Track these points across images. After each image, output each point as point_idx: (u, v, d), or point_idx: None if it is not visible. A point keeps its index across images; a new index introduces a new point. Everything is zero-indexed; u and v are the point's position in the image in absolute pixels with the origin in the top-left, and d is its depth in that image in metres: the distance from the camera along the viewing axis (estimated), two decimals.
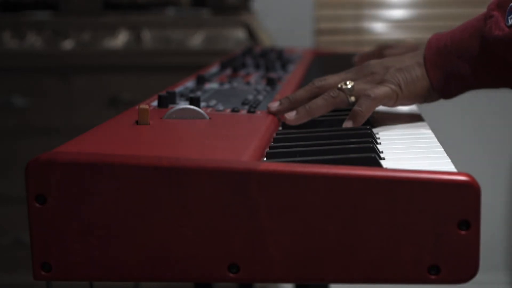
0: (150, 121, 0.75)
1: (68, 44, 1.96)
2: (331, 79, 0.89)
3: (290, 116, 0.85)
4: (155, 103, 0.88)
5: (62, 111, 1.98)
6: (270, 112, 0.86)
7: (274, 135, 0.79)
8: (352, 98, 0.85)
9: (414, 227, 0.59)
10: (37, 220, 0.61)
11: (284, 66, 1.24)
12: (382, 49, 1.20)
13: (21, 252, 1.98)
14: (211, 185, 0.59)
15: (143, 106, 0.75)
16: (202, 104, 0.88)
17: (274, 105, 0.87)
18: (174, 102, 0.88)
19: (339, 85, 0.86)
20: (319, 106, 0.85)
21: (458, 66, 0.85)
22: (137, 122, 0.75)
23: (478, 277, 0.61)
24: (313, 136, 0.78)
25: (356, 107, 0.84)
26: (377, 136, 0.81)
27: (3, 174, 2.00)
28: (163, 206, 0.60)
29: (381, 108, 0.94)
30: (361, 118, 0.84)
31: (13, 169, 1.97)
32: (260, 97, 0.94)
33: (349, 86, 0.85)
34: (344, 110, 0.93)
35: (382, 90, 0.85)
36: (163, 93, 0.88)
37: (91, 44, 1.97)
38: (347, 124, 0.84)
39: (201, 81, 1.05)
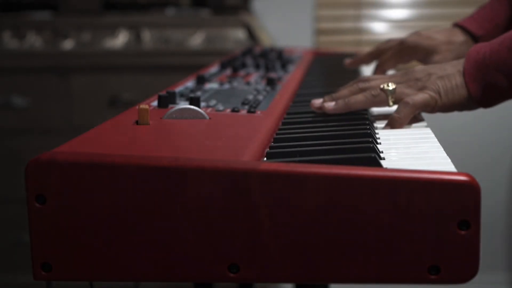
0: (150, 121, 0.75)
1: (68, 44, 1.96)
2: (374, 81, 0.91)
3: (329, 105, 0.90)
4: (155, 103, 0.88)
5: (62, 111, 1.98)
6: (313, 108, 0.92)
7: (274, 135, 0.79)
8: (392, 100, 0.88)
9: (414, 227, 0.59)
10: (37, 220, 0.61)
11: (284, 66, 1.24)
12: (373, 55, 1.21)
13: (21, 252, 1.98)
14: (211, 185, 0.59)
15: (143, 106, 0.75)
16: (202, 104, 0.88)
17: (317, 101, 0.92)
18: (174, 102, 0.88)
19: (382, 86, 0.88)
20: (358, 101, 0.90)
21: (495, 79, 0.87)
22: (137, 122, 0.75)
23: (478, 277, 0.61)
24: (313, 136, 0.78)
25: (394, 114, 0.87)
26: (377, 136, 0.81)
27: (3, 174, 2.00)
28: (163, 206, 0.60)
29: (381, 108, 0.94)
30: (399, 124, 0.87)
31: (13, 169, 1.97)
32: (260, 97, 0.94)
33: (391, 88, 0.88)
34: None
35: (421, 97, 0.87)
36: (163, 93, 0.88)
37: (91, 44, 1.97)
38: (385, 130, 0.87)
39: (201, 81, 1.05)
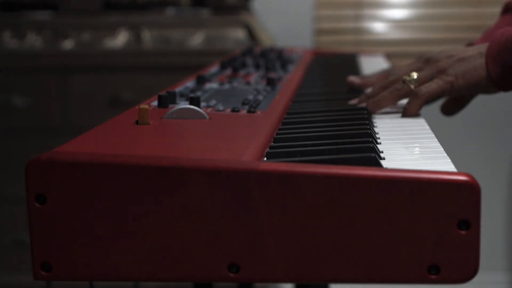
0: (150, 121, 0.75)
1: (68, 44, 1.96)
2: (401, 71, 0.95)
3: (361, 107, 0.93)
4: (155, 103, 0.88)
5: (62, 111, 1.98)
6: None
7: (274, 135, 0.79)
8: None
9: (414, 227, 0.59)
10: (37, 220, 0.61)
11: (284, 66, 1.24)
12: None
13: (21, 252, 1.98)
14: (211, 185, 0.59)
15: (143, 106, 0.75)
16: (202, 104, 0.88)
17: (353, 102, 0.95)
18: (174, 102, 0.88)
19: (404, 78, 0.91)
20: (385, 98, 0.93)
21: None
22: (137, 122, 0.75)
23: (478, 277, 0.61)
24: (313, 136, 0.78)
25: (405, 106, 0.91)
26: (377, 136, 0.82)
27: (3, 174, 2.00)
28: (163, 206, 0.60)
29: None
30: (409, 116, 0.90)
31: (13, 169, 1.97)
32: (260, 97, 0.94)
33: (414, 77, 0.91)
34: (344, 110, 0.93)
35: (431, 86, 0.90)
36: (163, 93, 0.88)
37: (91, 44, 1.97)
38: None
39: (201, 81, 1.05)
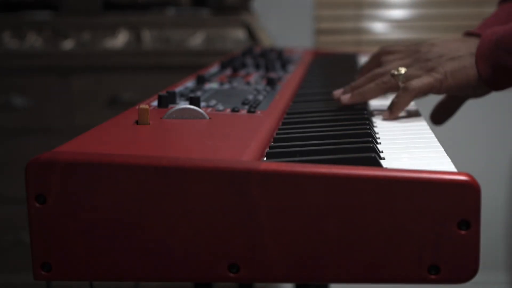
0: (150, 121, 0.75)
1: (68, 44, 1.96)
2: (389, 65, 0.94)
3: (345, 98, 0.93)
4: (155, 103, 0.88)
5: (62, 111, 1.98)
6: (334, 99, 0.94)
7: (274, 135, 0.79)
8: (403, 85, 0.90)
9: (414, 227, 0.59)
10: (37, 220, 0.61)
11: (284, 66, 1.24)
12: (380, 56, 1.16)
13: (21, 252, 1.98)
14: (211, 185, 0.59)
15: (143, 106, 0.75)
16: (202, 104, 0.88)
17: (338, 92, 0.94)
18: (174, 102, 0.88)
19: (392, 72, 0.90)
20: (371, 90, 0.92)
21: (505, 60, 0.88)
22: (137, 122, 0.75)
23: (478, 277, 0.61)
24: (313, 136, 0.78)
25: (394, 99, 0.90)
26: (377, 136, 0.82)
27: (3, 174, 2.00)
28: (163, 206, 0.60)
29: (381, 108, 0.94)
30: (397, 109, 0.90)
31: (13, 169, 1.97)
32: (260, 97, 0.94)
33: (402, 72, 0.90)
34: (344, 110, 0.93)
35: (421, 82, 0.89)
36: (163, 93, 0.88)
37: (91, 44, 1.97)
38: (385, 114, 0.90)
39: (201, 81, 1.05)
